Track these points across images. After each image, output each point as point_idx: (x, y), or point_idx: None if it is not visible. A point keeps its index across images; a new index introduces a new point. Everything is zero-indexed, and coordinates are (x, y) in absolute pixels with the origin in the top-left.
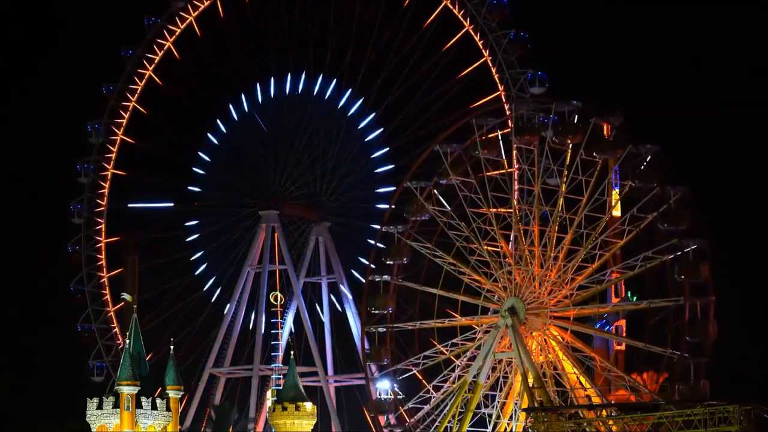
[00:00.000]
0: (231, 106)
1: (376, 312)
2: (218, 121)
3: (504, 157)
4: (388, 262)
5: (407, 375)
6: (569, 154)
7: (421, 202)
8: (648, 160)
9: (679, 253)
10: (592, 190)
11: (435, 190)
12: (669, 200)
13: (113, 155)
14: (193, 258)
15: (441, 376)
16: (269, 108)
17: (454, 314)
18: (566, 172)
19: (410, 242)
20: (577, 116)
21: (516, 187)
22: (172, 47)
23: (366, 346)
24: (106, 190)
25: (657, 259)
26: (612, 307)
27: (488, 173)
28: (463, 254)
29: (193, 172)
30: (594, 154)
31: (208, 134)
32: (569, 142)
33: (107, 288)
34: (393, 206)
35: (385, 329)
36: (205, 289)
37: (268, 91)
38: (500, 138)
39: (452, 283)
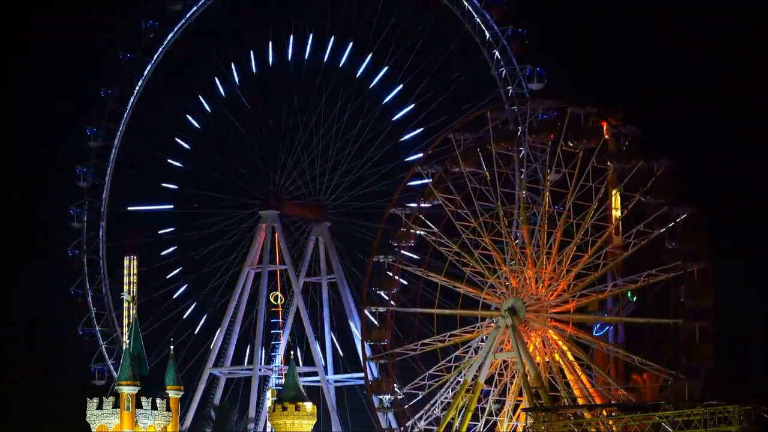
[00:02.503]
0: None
1: (375, 343)
2: (217, 121)
3: (485, 168)
4: (379, 292)
5: (414, 401)
6: (548, 151)
7: (408, 227)
8: (628, 141)
9: (671, 224)
10: (577, 180)
11: (420, 215)
12: (653, 175)
13: (112, 159)
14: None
15: (445, 389)
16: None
17: (455, 332)
18: (549, 171)
19: (402, 266)
20: (555, 114)
21: (506, 192)
22: (169, 50)
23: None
24: (105, 194)
25: (649, 233)
26: (610, 291)
27: (472, 185)
28: (457, 269)
29: (192, 174)
30: (570, 143)
31: (208, 136)
32: (546, 139)
33: (107, 292)
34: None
35: (386, 361)
36: (205, 290)
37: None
38: (479, 150)
39: (449, 299)
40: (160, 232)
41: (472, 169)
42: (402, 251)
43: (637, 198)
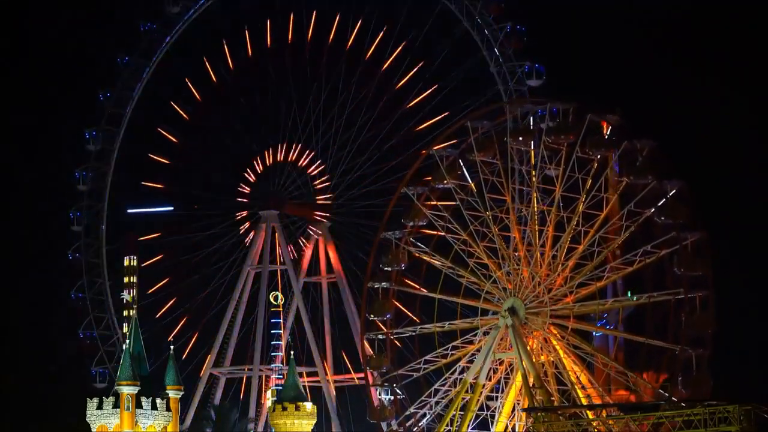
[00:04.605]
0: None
1: (376, 372)
2: (218, 125)
3: (470, 181)
4: (376, 319)
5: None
6: (532, 154)
7: (399, 249)
8: (610, 129)
9: (663, 200)
10: (563, 175)
11: (410, 238)
12: (637, 154)
13: (111, 162)
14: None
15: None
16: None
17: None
18: (534, 172)
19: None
20: (532, 117)
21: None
22: (168, 52)
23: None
24: (105, 197)
25: (641, 214)
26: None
27: (460, 196)
28: (454, 281)
29: (192, 176)
30: (550, 140)
31: (207, 137)
32: (527, 140)
33: (108, 294)
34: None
35: (390, 389)
36: (206, 291)
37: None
38: (461, 164)
39: (449, 311)
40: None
41: (457, 181)
42: (396, 274)
43: (625, 181)
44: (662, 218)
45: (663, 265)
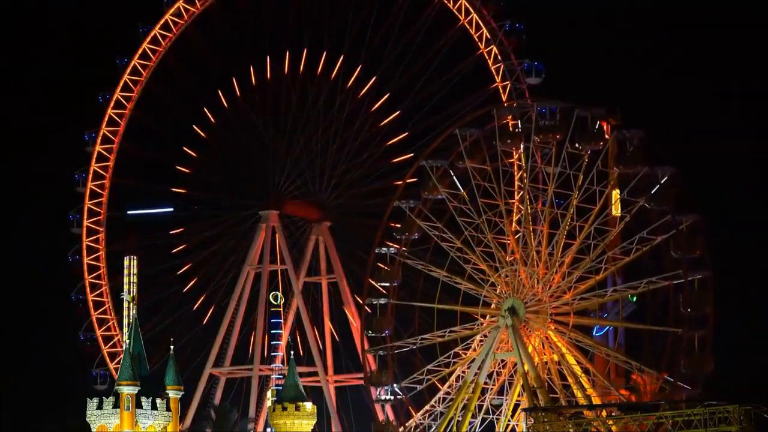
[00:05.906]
0: (225, 100)
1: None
2: (217, 125)
3: (462, 189)
4: (372, 334)
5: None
6: (522, 156)
7: (396, 266)
8: (598, 125)
9: (656, 187)
10: (554, 173)
11: (406, 251)
12: (627, 144)
13: (110, 163)
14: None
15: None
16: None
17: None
18: (525, 174)
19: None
20: (520, 120)
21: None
22: (167, 54)
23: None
24: (104, 199)
25: (635, 203)
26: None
27: (452, 204)
28: (452, 290)
29: (192, 176)
30: (537, 139)
31: (207, 137)
32: (516, 143)
33: (108, 296)
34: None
35: (392, 399)
36: (206, 292)
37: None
38: (451, 171)
39: (449, 320)
40: (171, 233)
41: (448, 191)
42: (393, 289)
43: (616, 172)
44: (653, 204)
45: (660, 251)
